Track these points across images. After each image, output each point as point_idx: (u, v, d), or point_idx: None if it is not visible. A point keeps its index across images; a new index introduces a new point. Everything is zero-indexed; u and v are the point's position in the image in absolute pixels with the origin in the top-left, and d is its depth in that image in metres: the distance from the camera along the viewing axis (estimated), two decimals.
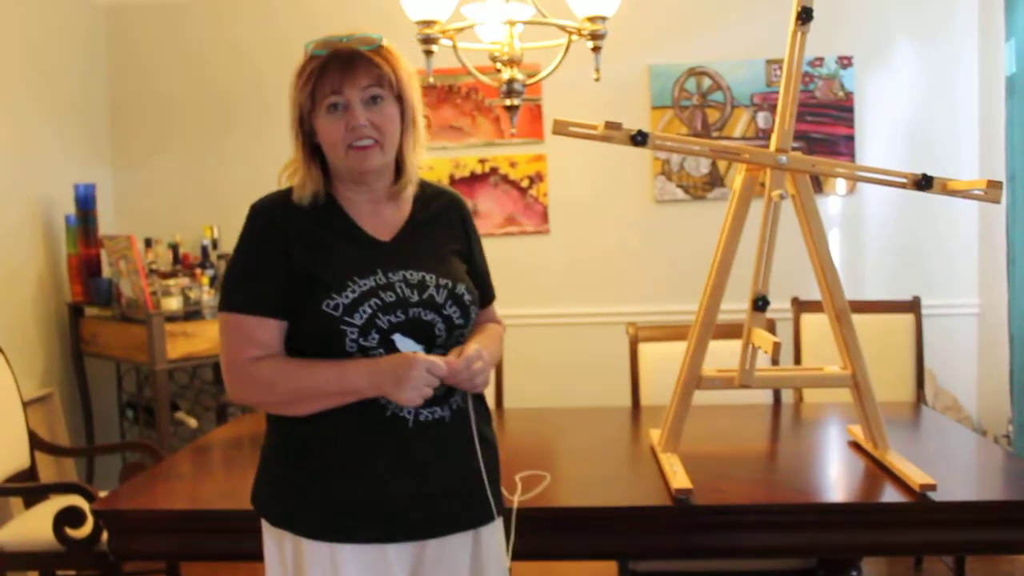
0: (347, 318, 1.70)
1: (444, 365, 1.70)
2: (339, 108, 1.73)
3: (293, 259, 1.74)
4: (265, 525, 1.80)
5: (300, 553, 1.72)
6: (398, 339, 1.73)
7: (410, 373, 1.66)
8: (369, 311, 1.70)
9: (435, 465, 1.75)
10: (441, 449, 1.76)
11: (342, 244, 1.77)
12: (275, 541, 1.78)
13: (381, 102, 1.75)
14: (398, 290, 1.74)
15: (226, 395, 4.53)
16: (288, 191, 1.81)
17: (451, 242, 1.90)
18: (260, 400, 1.78)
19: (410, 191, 1.88)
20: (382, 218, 1.83)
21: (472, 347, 1.76)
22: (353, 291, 1.71)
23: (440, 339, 1.78)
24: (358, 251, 1.78)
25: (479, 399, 1.86)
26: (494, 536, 1.85)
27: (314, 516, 1.72)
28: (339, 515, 1.71)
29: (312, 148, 1.80)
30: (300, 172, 1.80)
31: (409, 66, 1.81)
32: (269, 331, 1.74)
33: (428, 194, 1.92)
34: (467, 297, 1.82)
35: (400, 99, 1.78)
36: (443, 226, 1.90)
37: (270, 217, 1.78)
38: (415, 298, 1.75)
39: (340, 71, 1.72)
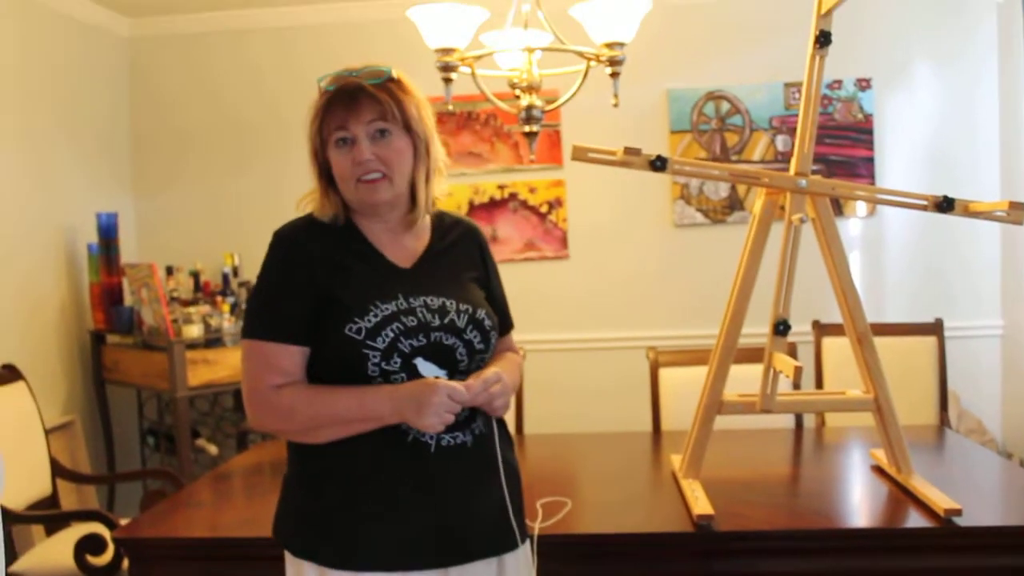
0: (369, 342, 1.70)
1: (464, 390, 1.70)
2: (347, 143, 1.75)
3: (317, 282, 1.74)
4: (288, 556, 1.79)
5: None
6: (420, 363, 1.73)
7: (431, 399, 1.66)
8: (391, 335, 1.71)
9: (458, 491, 1.74)
10: (463, 475, 1.75)
11: (363, 268, 1.78)
12: (298, 571, 1.76)
13: (389, 136, 1.76)
14: (419, 315, 1.74)
15: (247, 422, 4.55)
16: (309, 216, 1.83)
17: (470, 269, 1.91)
18: (281, 428, 1.78)
19: (427, 220, 1.89)
20: (401, 246, 1.84)
21: (490, 370, 1.77)
22: (375, 315, 1.71)
23: (462, 364, 1.78)
24: (379, 277, 1.78)
25: (501, 425, 1.86)
26: (519, 563, 1.83)
27: (337, 545, 1.71)
28: (362, 543, 1.70)
29: (329, 179, 1.81)
30: (319, 200, 1.81)
31: (420, 96, 1.82)
32: (291, 358, 1.75)
33: (446, 223, 1.93)
34: (487, 322, 1.83)
35: (409, 131, 1.79)
36: (461, 254, 1.91)
37: (293, 243, 1.79)
38: (436, 322, 1.75)
39: (344, 107, 1.74)
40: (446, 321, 1.76)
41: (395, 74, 1.79)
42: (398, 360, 1.71)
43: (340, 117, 1.74)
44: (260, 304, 1.79)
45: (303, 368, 1.76)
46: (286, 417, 1.74)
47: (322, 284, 1.74)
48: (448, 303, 1.78)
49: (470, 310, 1.80)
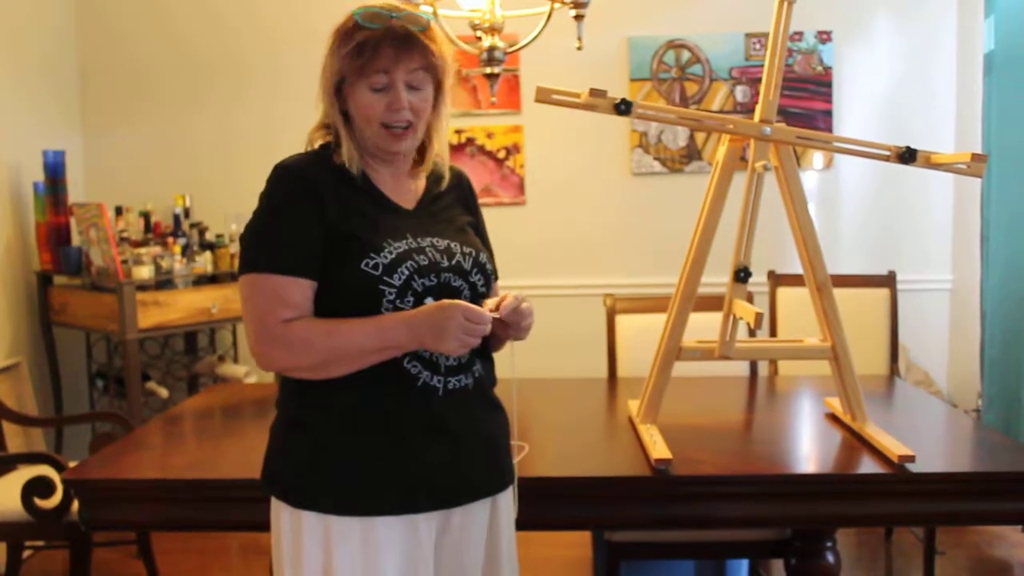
0: (386, 278, 1.68)
1: (482, 311, 1.67)
2: (383, 86, 1.71)
3: (328, 219, 1.70)
4: (280, 506, 1.74)
5: (328, 531, 1.68)
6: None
7: (448, 324, 1.63)
8: (406, 272, 1.70)
9: (463, 433, 1.75)
10: (467, 417, 1.77)
11: (373, 208, 1.76)
12: (295, 521, 1.71)
13: (422, 86, 1.74)
14: (429, 254, 1.74)
15: (197, 365, 4.50)
16: (316, 154, 1.79)
17: (464, 214, 1.91)
18: (294, 364, 1.70)
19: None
20: (404, 187, 1.84)
21: (512, 294, 1.76)
22: (391, 252, 1.70)
23: None
24: (388, 215, 1.77)
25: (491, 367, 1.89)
26: (508, 503, 1.87)
27: (343, 492, 1.68)
28: (370, 489, 1.68)
29: (346, 117, 1.77)
30: (344, 141, 1.76)
31: (451, 47, 1.80)
32: (302, 291, 1.70)
33: (439, 167, 1.91)
34: (489, 266, 1.85)
35: (438, 82, 1.77)
36: (456, 199, 1.91)
37: (301, 176, 1.73)
38: (445, 263, 1.75)
39: (395, 51, 1.69)
40: (454, 263, 1.76)
41: (432, 22, 1.76)
42: (411, 299, 1.70)
43: (389, 60, 1.69)
44: (266, 236, 1.72)
45: (311, 303, 1.71)
46: (301, 352, 1.68)
47: (335, 220, 1.71)
48: (453, 245, 1.79)
49: (474, 253, 1.81)
